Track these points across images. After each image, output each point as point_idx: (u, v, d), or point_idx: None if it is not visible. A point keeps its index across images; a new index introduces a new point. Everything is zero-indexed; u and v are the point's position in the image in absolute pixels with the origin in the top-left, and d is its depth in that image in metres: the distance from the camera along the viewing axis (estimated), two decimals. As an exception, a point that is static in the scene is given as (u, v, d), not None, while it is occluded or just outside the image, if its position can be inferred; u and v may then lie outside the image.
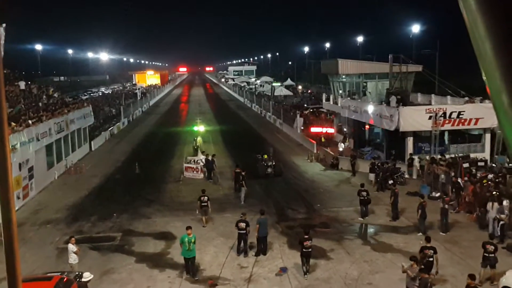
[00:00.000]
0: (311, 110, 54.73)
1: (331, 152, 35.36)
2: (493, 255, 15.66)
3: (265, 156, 31.48)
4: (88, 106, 44.15)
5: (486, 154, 29.87)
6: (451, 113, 29.40)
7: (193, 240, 16.74)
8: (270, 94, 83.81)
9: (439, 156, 28.20)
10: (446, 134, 31.05)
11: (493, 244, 16.15)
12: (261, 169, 30.31)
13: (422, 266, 14.79)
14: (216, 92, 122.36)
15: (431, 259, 15.43)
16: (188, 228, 17.15)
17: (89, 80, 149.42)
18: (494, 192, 20.81)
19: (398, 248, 18.95)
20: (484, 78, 1.13)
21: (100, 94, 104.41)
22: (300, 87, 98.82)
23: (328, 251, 18.84)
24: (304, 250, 16.64)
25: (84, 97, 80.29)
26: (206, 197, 22.35)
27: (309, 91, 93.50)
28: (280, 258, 18.35)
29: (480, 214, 21.01)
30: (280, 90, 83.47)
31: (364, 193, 22.66)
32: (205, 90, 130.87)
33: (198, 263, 17.34)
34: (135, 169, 33.35)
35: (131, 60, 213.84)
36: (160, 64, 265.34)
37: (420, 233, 20.07)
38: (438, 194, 24.66)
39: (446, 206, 20.50)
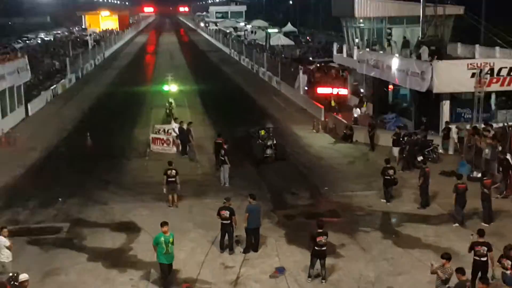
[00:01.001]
0: (318, 64, 54.67)
1: (343, 120, 35.52)
2: None
3: (262, 132, 30.10)
4: (23, 58, 43.82)
5: (545, 124, 30.15)
6: (500, 69, 29.48)
7: (171, 240, 16.01)
8: (264, 43, 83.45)
9: (483, 126, 28.38)
10: (493, 96, 31.22)
11: None
12: (258, 150, 29.41)
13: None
14: (193, 40, 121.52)
15: (484, 258, 15.30)
16: (164, 224, 16.30)
17: (25, 23, 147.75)
18: None
19: (427, 243, 19.22)
20: None
21: (39, 41, 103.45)
22: (308, 38, 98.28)
23: (338, 246, 19.06)
24: (316, 248, 16.58)
25: (18, 46, 79.65)
26: (174, 171, 22.83)
27: (308, 38, 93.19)
28: (276, 255, 18.54)
29: None
30: (278, 38, 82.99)
31: (391, 172, 23.01)
32: (178, 38, 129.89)
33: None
34: (87, 140, 33.34)
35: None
36: (118, 2, 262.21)
37: (457, 224, 20.39)
38: (480, 174, 24.91)
39: (486, 190, 20.72)
